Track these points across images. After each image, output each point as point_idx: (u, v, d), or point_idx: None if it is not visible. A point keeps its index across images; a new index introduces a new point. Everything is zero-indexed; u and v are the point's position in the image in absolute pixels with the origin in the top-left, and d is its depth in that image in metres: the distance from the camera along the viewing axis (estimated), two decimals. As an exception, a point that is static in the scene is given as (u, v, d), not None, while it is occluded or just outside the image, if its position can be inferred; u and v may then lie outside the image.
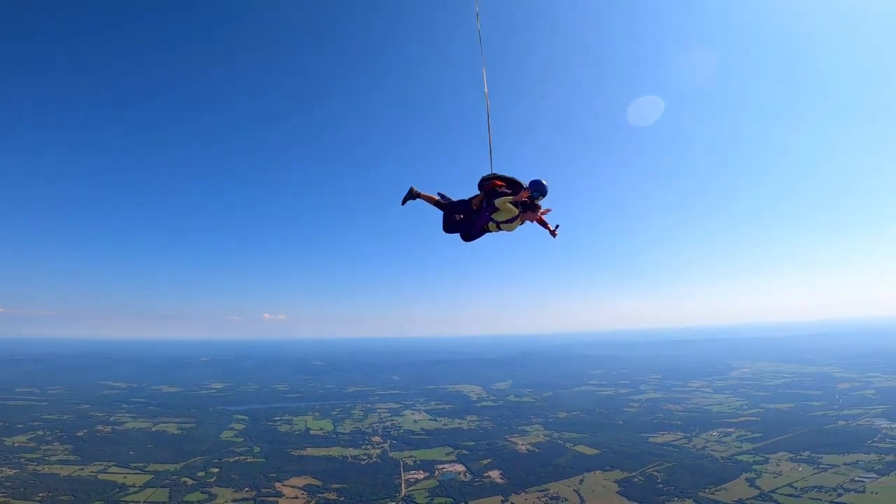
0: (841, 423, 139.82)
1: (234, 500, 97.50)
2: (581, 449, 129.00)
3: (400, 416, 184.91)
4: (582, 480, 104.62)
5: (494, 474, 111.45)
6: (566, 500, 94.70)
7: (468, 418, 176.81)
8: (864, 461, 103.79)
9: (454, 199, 16.25)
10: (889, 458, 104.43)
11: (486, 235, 15.65)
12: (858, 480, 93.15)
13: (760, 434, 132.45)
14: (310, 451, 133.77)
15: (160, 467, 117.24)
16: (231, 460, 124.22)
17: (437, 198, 16.47)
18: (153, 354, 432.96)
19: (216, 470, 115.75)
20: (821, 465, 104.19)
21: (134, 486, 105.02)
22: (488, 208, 14.71)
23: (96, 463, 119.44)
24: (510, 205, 14.41)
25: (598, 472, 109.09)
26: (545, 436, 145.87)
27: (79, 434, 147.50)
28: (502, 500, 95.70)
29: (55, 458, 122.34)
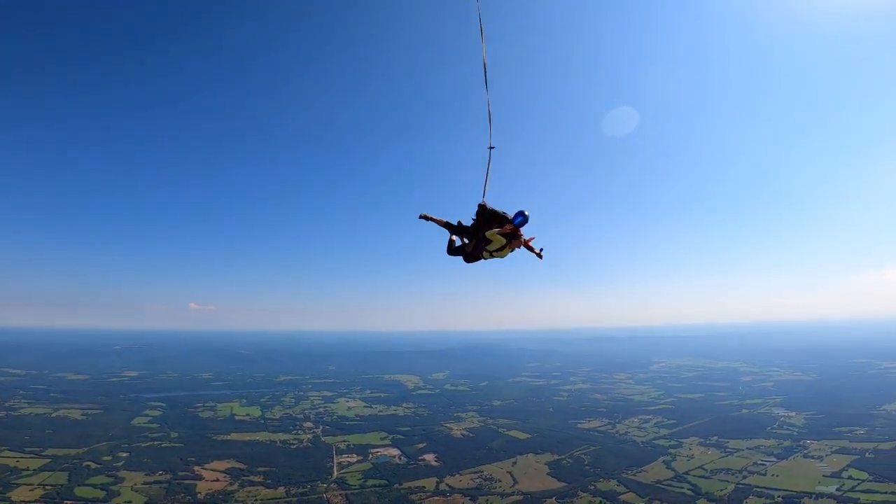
0: (744, 411, 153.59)
1: (146, 483, 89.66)
2: (514, 434, 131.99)
3: (333, 403, 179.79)
4: (514, 463, 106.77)
5: (429, 457, 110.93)
6: (499, 480, 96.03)
7: (404, 405, 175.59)
8: (765, 446, 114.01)
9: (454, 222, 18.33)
10: (787, 443, 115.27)
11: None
12: (760, 464, 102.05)
13: (675, 421, 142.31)
14: (234, 436, 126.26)
15: (59, 452, 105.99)
16: (143, 445, 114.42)
17: (446, 221, 18.28)
18: (59, 343, 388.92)
19: (125, 455, 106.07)
20: (727, 449, 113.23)
21: (28, 469, 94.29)
22: (482, 240, 16.81)
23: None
24: (499, 236, 16.49)
25: (529, 455, 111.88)
26: (480, 422, 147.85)
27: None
28: (437, 482, 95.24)
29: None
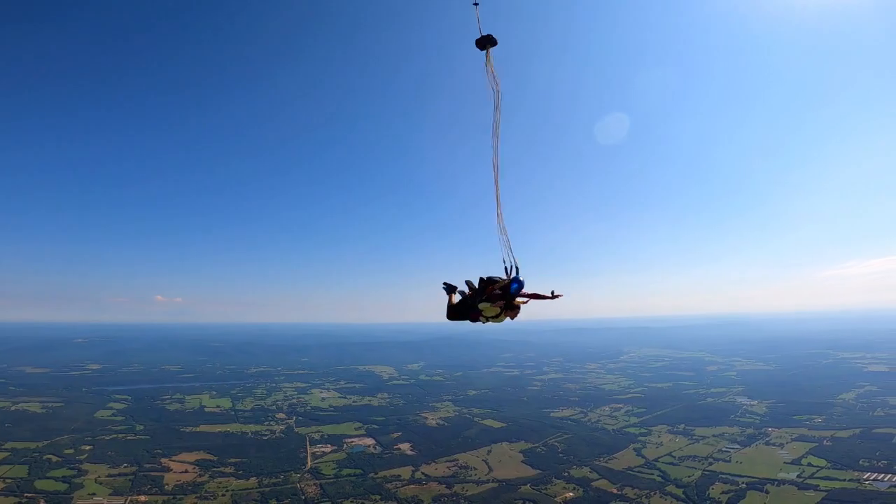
0: (709, 400, 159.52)
1: (110, 476, 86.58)
2: (489, 423, 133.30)
3: (307, 394, 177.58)
4: (490, 451, 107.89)
5: (405, 447, 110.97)
6: (475, 468, 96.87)
7: (379, 396, 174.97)
8: (729, 433, 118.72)
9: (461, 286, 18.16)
10: (749, 430, 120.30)
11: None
12: (725, 451, 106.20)
13: (644, 409, 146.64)
14: (204, 428, 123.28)
15: (19, 445, 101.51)
16: (107, 438, 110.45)
17: (459, 297, 18.03)
18: (18, 336, 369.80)
19: (88, 447, 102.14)
20: (694, 437, 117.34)
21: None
22: (475, 310, 16.79)
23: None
24: (492, 307, 16.36)
25: (504, 443, 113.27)
26: (455, 411, 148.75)
27: None
28: (413, 470, 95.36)
29: None
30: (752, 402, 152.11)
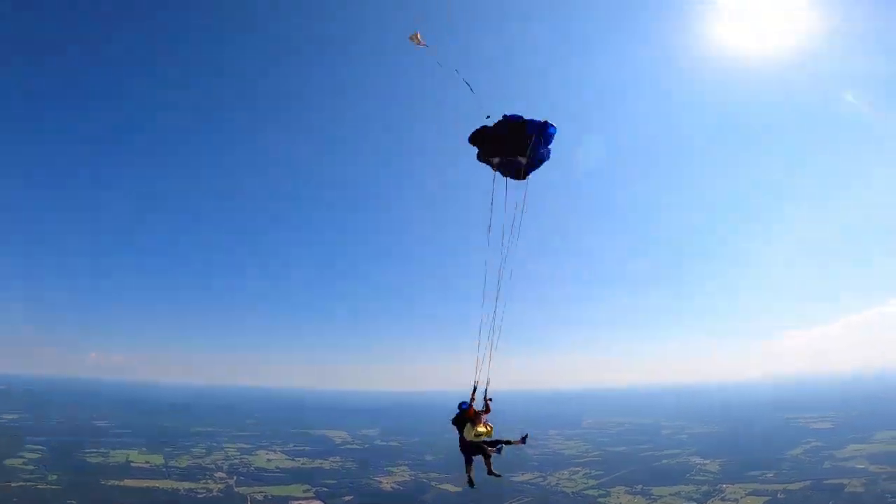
0: (665, 461, 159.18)
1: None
2: (446, 487, 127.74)
3: (252, 454, 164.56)
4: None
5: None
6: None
7: (330, 459, 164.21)
8: (685, 491, 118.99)
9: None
10: (705, 488, 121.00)
11: None
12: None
13: (602, 472, 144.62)
14: (128, 483, 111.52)
15: None
16: (13, 485, 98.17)
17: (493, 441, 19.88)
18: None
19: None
20: (651, 496, 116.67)
21: None
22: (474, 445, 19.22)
23: None
24: (464, 426, 19.01)
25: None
26: (411, 476, 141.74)
27: None
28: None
29: None
30: (705, 461, 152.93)
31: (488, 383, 18.84)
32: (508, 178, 17.55)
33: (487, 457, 19.43)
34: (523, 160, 17.06)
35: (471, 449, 19.29)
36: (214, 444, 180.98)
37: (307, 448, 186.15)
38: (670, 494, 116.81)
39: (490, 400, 19.22)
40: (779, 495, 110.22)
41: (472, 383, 18.96)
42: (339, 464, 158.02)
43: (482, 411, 19.15)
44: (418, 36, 16.78)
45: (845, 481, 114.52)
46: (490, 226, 17.10)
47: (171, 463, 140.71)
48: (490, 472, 19.94)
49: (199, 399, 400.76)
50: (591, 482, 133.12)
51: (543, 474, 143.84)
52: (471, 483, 19.81)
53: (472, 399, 18.94)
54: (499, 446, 19.23)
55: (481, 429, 18.74)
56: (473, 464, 19.81)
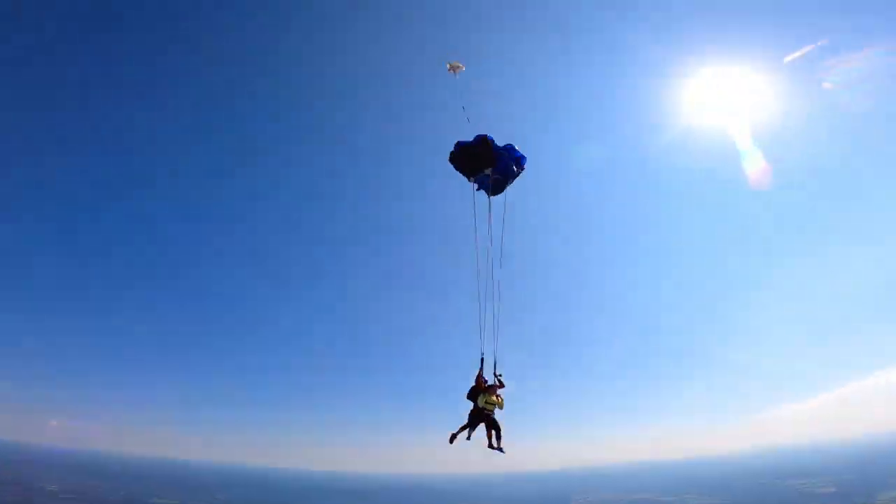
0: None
1: None
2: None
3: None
4: None
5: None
6: None
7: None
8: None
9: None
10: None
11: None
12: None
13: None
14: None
15: None
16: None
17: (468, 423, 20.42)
18: None
19: None
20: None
21: None
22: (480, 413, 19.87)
23: None
24: (492, 397, 19.72)
25: None
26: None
27: None
28: None
29: None
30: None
31: (496, 361, 19.70)
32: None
33: (495, 429, 19.81)
34: (489, 171, 19.37)
35: (481, 417, 19.82)
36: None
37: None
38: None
39: (500, 375, 19.82)
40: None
41: (480, 354, 19.75)
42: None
43: (494, 385, 19.80)
44: (458, 64, 19.68)
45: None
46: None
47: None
48: (490, 446, 20.06)
49: (164, 470, 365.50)
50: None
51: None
52: (468, 436, 19.99)
53: (481, 370, 19.73)
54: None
55: (493, 398, 19.57)
56: (475, 430, 20.19)
